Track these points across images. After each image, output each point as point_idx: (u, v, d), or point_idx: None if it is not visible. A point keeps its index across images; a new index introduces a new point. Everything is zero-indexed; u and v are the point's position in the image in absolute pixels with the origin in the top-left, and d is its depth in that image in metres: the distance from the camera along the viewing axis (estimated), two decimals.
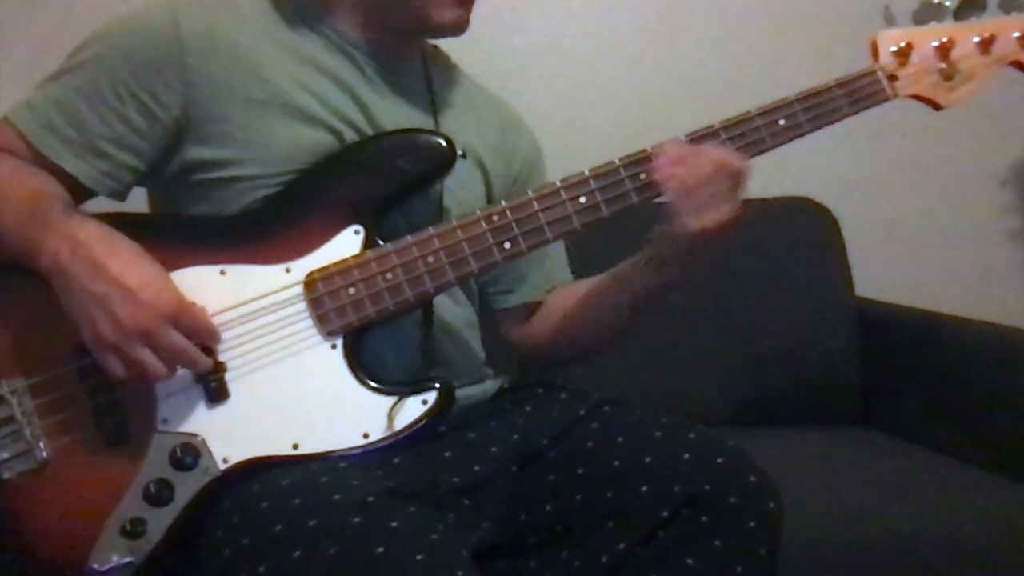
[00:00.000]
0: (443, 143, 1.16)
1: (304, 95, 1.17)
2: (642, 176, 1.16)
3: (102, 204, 1.18)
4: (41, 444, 1.07)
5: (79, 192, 1.16)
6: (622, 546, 1.07)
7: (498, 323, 1.41)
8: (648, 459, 1.10)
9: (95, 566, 1.05)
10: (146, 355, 1.03)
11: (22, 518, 1.07)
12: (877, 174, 2.20)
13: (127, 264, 1.04)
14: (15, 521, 1.07)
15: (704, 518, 1.06)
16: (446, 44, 1.32)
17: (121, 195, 1.19)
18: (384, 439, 1.10)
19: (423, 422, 1.11)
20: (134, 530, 1.06)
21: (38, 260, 1.05)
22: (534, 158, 1.40)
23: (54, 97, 1.14)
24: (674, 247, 1.19)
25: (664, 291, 1.26)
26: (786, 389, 1.92)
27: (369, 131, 1.19)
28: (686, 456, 1.09)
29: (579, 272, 1.44)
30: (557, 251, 1.42)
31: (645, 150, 1.16)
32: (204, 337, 1.07)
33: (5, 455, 1.06)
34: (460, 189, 1.24)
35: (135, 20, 1.16)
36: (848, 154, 2.14)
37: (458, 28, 1.21)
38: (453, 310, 1.25)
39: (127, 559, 1.05)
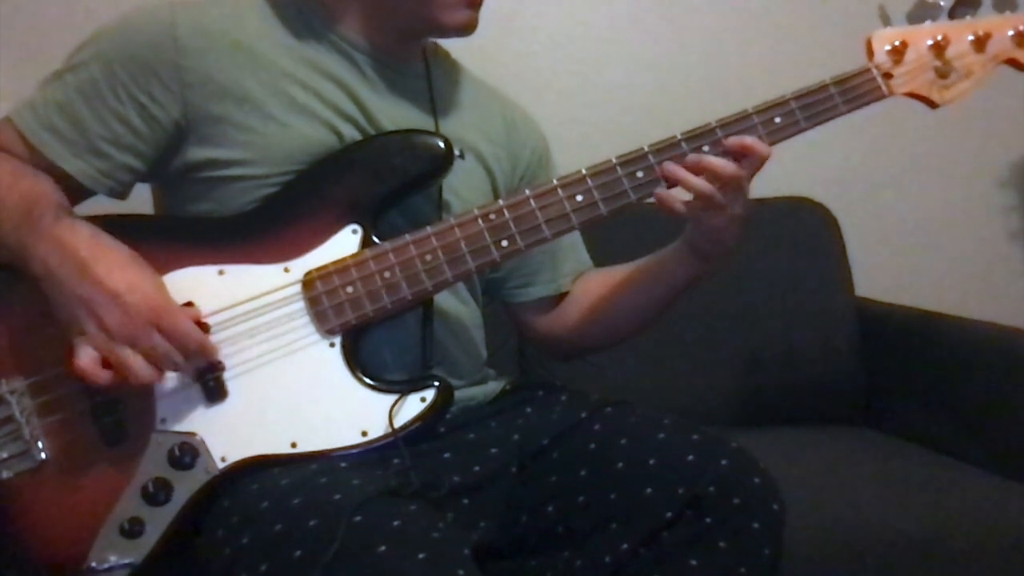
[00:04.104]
0: (440, 144, 1.16)
1: (303, 95, 1.17)
2: (639, 174, 1.16)
3: (104, 202, 1.18)
4: (40, 444, 1.07)
5: (79, 191, 1.16)
6: (625, 547, 1.07)
7: (519, 318, 1.41)
8: (651, 461, 1.10)
9: (94, 565, 1.05)
10: (128, 355, 1.02)
11: (21, 518, 1.07)
12: (877, 174, 2.21)
13: (112, 268, 1.04)
14: (14, 521, 1.07)
15: (708, 519, 1.06)
16: (447, 43, 1.32)
17: (121, 194, 1.19)
18: (383, 437, 1.10)
19: (422, 420, 1.11)
20: (132, 529, 1.06)
21: (30, 265, 1.06)
22: (542, 151, 1.40)
23: (54, 97, 1.14)
24: (705, 238, 1.21)
25: (698, 281, 1.27)
26: (786, 389, 1.92)
27: (370, 131, 1.19)
28: (690, 458, 1.09)
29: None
30: (574, 238, 1.41)
31: (641, 149, 1.16)
32: (188, 341, 1.05)
33: (4, 455, 1.06)
34: (462, 188, 1.24)
35: (133, 20, 1.16)
36: (848, 154, 2.14)
37: (467, 29, 1.20)
38: (458, 308, 1.25)
39: (126, 559, 1.05)
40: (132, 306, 1.02)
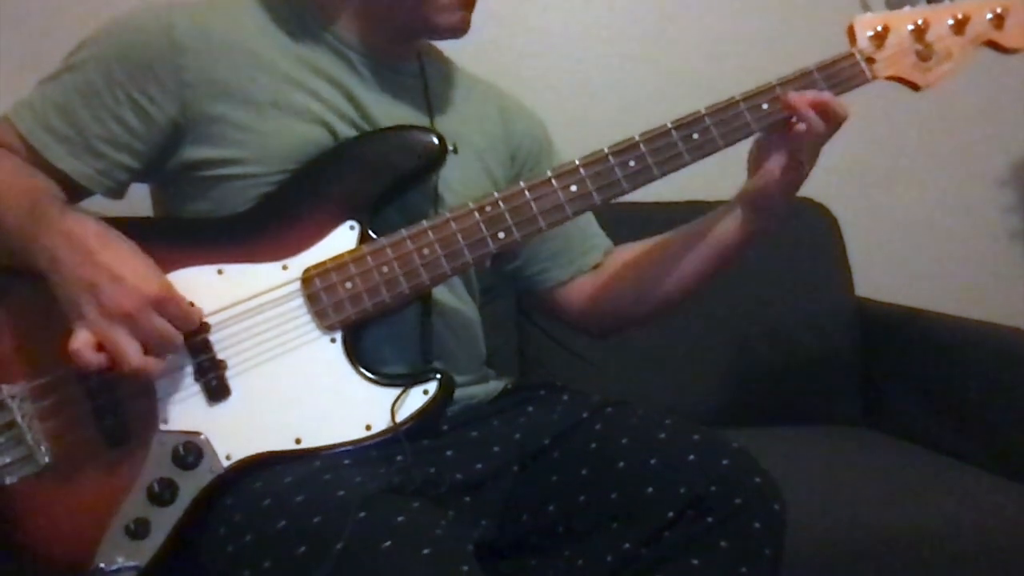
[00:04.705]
0: (434, 139, 1.17)
1: (299, 94, 1.17)
2: (631, 164, 1.17)
3: (101, 202, 1.18)
4: (43, 448, 1.07)
5: (76, 191, 1.16)
6: (627, 546, 1.08)
7: (555, 301, 1.39)
8: (653, 460, 1.10)
9: (102, 566, 1.05)
10: (123, 337, 1.02)
11: (26, 522, 1.07)
12: (877, 174, 2.21)
13: (118, 254, 1.05)
14: (19, 525, 1.07)
15: (709, 519, 1.06)
16: (445, 44, 1.32)
17: (118, 194, 1.19)
18: (387, 430, 1.10)
19: (425, 412, 1.11)
20: (138, 530, 1.05)
21: (35, 256, 1.06)
22: (542, 140, 1.40)
23: (52, 97, 1.15)
24: (778, 193, 1.21)
25: (740, 250, 1.27)
26: (786, 389, 1.92)
27: (366, 129, 1.20)
28: (691, 458, 1.09)
29: None
30: (587, 219, 1.38)
31: (633, 138, 1.17)
32: (190, 325, 1.06)
33: (7, 460, 1.06)
34: (458, 182, 1.24)
35: (131, 21, 1.16)
36: (848, 154, 2.13)
37: (460, 30, 1.21)
38: (456, 305, 1.26)
39: (133, 560, 1.05)
40: (134, 288, 1.02)
